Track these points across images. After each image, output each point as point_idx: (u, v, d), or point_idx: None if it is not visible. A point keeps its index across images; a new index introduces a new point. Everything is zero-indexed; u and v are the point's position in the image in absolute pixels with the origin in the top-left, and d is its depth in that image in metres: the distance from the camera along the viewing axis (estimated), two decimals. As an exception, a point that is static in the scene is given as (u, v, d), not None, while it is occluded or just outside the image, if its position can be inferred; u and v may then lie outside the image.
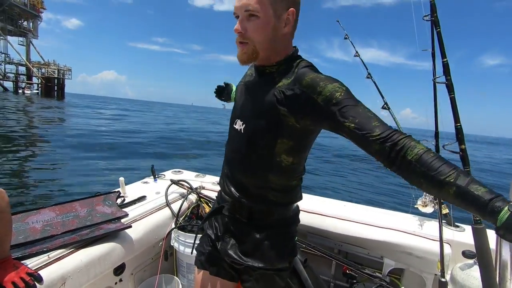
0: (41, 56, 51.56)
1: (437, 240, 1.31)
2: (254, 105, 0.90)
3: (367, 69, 1.71)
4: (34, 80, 51.23)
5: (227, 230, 1.00)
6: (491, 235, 0.96)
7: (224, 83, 1.49)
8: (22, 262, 1.04)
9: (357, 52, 1.81)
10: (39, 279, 1.01)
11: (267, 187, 0.92)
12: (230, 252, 0.96)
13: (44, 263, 1.10)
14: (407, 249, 1.41)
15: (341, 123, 0.73)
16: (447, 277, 1.33)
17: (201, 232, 1.15)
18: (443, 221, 1.54)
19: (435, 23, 0.96)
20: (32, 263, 1.08)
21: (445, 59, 0.93)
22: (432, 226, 1.51)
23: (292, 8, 0.83)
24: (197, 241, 1.15)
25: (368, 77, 1.60)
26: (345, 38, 1.86)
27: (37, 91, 50.94)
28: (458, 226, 1.52)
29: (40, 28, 51.68)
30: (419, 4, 1.01)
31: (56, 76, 50.13)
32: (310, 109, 0.78)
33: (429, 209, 1.52)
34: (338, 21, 1.89)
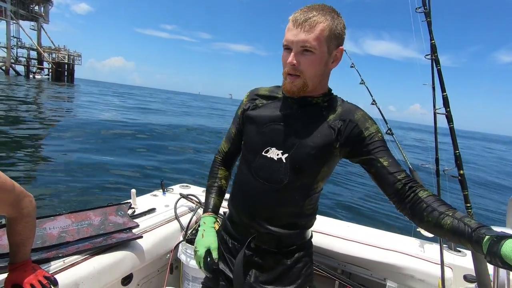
0: (51, 41, 52.33)
1: (438, 264, 1.34)
2: (304, 136, 0.90)
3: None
4: (45, 65, 51.95)
5: (249, 263, 0.98)
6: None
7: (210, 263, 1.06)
8: (40, 265, 1.09)
9: (362, 80, 1.92)
10: (55, 283, 1.05)
11: (300, 213, 0.96)
12: (256, 285, 0.96)
13: (60, 268, 1.14)
14: (410, 272, 1.44)
15: (376, 158, 0.84)
16: (449, 301, 1.35)
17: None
18: (445, 245, 1.58)
19: (436, 61, 1.07)
20: (48, 267, 1.12)
21: (444, 93, 1.03)
22: (433, 250, 1.54)
23: (341, 47, 0.89)
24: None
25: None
26: (351, 67, 1.97)
27: (47, 76, 51.57)
28: (459, 251, 1.55)
29: (51, 13, 52.29)
30: (421, 43, 1.13)
31: (66, 61, 50.91)
32: (356, 140, 0.87)
33: (430, 233, 1.56)
34: (344, 51, 2.01)
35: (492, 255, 0.59)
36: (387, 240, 1.65)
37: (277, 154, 0.91)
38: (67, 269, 1.15)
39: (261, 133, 0.96)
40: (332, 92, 0.97)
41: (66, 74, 51.36)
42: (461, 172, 1.01)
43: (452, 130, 1.02)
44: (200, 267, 1.01)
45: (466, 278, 1.25)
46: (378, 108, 1.84)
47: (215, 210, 1.08)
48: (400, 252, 1.52)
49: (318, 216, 1.95)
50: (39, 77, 49.93)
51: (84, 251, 1.25)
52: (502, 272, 0.93)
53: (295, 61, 0.84)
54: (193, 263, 1.55)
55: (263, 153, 0.94)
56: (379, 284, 1.58)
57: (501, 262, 0.58)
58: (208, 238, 1.01)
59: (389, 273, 1.52)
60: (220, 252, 1.03)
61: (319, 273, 1.58)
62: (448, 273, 1.39)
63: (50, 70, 51.32)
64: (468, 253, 1.55)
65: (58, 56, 50.88)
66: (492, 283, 0.98)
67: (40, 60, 52.55)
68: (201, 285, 1.12)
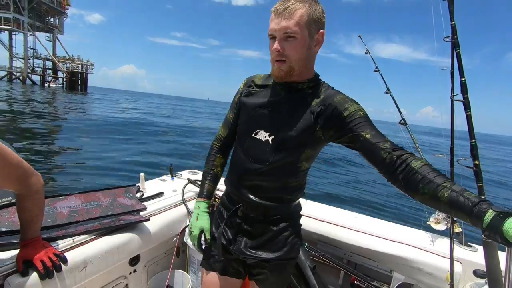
0: (66, 51, 54.05)
1: (447, 258, 1.31)
2: (288, 120, 0.97)
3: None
4: (60, 74, 53.79)
5: (239, 231, 1.08)
6: (501, 255, 0.98)
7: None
8: (49, 243, 1.11)
9: (377, 67, 1.86)
10: (64, 260, 1.08)
11: (284, 189, 1.03)
12: (245, 250, 1.06)
13: (69, 246, 1.16)
14: (417, 265, 1.42)
15: (358, 133, 0.87)
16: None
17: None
18: (455, 239, 1.54)
19: (455, 45, 1.02)
20: (58, 245, 1.15)
21: (463, 79, 0.98)
22: (443, 244, 1.51)
23: (322, 30, 0.94)
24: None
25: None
26: (366, 53, 1.92)
27: (62, 85, 53.35)
28: (470, 246, 1.52)
29: (65, 24, 54.00)
30: (441, 25, 1.08)
31: (80, 70, 52.45)
32: (337, 121, 0.91)
33: (441, 227, 1.52)
34: (360, 37, 1.95)
35: (492, 229, 0.59)
36: (395, 232, 1.62)
37: (265, 136, 1.00)
38: (76, 247, 1.17)
39: (251, 117, 1.05)
40: (319, 77, 1.02)
41: (79, 82, 52.83)
42: (477, 162, 0.96)
43: (469, 117, 0.98)
44: (194, 245, 1.14)
45: (476, 273, 1.22)
46: (392, 97, 1.79)
47: (209, 196, 1.17)
48: (408, 245, 1.49)
49: (324, 206, 1.92)
50: (54, 86, 51.46)
51: (93, 231, 1.27)
52: None
53: (279, 48, 0.91)
54: (199, 247, 1.57)
55: (253, 135, 1.03)
56: (386, 275, 1.56)
57: (500, 237, 0.58)
58: (201, 221, 1.12)
59: (396, 265, 1.50)
60: (218, 224, 1.14)
61: (325, 262, 1.57)
62: (457, 267, 1.37)
63: (64, 79, 52.83)
64: (479, 248, 1.51)
65: (72, 65, 52.31)
66: (503, 278, 0.95)
67: (55, 70, 54.32)
68: (204, 255, 1.18)
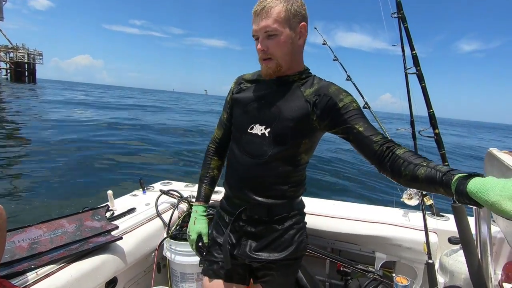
0: (8, 39, 49.17)
1: (423, 230, 1.36)
2: (283, 110, 0.97)
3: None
4: (2, 65, 49.29)
5: (243, 234, 1.05)
6: (471, 220, 1.02)
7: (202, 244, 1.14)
8: (9, 281, 1.01)
9: (335, 56, 1.90)
10: None
11: (286, 184, 1.01)
12: (250, 253, 1.03)
13: (33, 280, 1.07)
14: (397, 241, 1.46)
15: (352, 125, 0.88)
16: (436, 265, 1.38)
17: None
18: (428, 212, 1.61)
19: (402, 20, 1.06)
20: (20, 281, 1.04)
21: (413, 51, 1.02)
22: (417, 217, 1.56)
23: (303, 23, 0.95)
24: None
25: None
26: (323, 44, 1.96)
27: (6, 76, 49.10)
28: (442, 216, 1.58)
29: (5, 9, 48.84)
30: (387, 2, 1.12)
31: (26, 60, 48.50)
32: (332, 111, 0.92)
33: (414, 202, 1.58)
34: (316, 28, 1.98)
35: (459, 193, 0.61)
36: (372, 213, 1.66)
37: (261, 130, 0.99)
38: (41, 280, 1.08)
39: (245, 112, 1.04)
40: (309, 71, 1.03)
41: (27, 74, 48.85)
42: (436, 131, 1.00)
43: (424, 88, 1.01)
44: (193, 249, 1.14)
45: (451, 241, 1.27)
46: (354, 84, 1.84)
47: (206, 200, 1.17)
48: (386, 223, 1.53)
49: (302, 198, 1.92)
50: None
51: (60, 259, 1.17)
52: (484, 228, 0.93)
53: (263, 47, 0.93)
54: (179, 258, 1.51)
55: (248, 130, 1.01)
56: (369, 257, 1.59)
57: (467, 199, 0.59)
58: (199, 225, 1.12)
59: (377, 245, 1.53)
60: (219, 228, 1.12)
61: (310, 254, 1.57)
62: (433, 237, 1.42)
63: (9, 70, 48.72)
64: (451, 217, 1.58)
65: (16, 55, 48.06)
66: (475, 241, 0.99)
67: (-5, 60, 49.54)
68: (200, 265, 1.17)
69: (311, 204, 1.79)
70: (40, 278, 1.08)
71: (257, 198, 1.00)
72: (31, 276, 1.07)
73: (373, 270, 1.50)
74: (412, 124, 1.11)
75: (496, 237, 1.28)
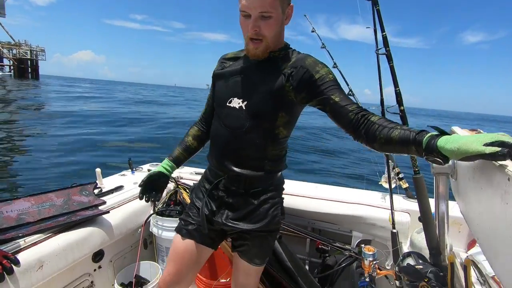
0: (10, 36, 48.36)
1: (396, 210, 1.44)
2: (259, 84, 0.99)
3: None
4: (5, 61, 48.81)
5: (222, 203, 1.09)
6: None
7: (152, 174, 1.19)
8: (-2, 247, 1.05)
9: (323, 43, 1.94)
10: (16, 262, 1.03)
11: (265, 157, 1.04)
12: (226, 221, 1.07)
13: (21, 247, 1.11)
14: (372, 221, 1.54)
15: (328, 96, 0.91)
16: (407, 242, 1.46)
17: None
18: (403, 194, 1.69)
19: (374, 2, 1.11)
20: (7, 247, 1.09)
21: (384, 33, 1.08)
22: (394, 199, 1.64)
23: (291, 4, 0.98)
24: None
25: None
26: (312, 31, 1.99)
27: (9, 73, 48.62)
28: (416, 198, 1.66)
29: (7, 5, 47.86)
30: None
31: (28, 57, 48.03)
32: (308, 83, 0.94)
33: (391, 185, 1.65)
34: (305, 15, 2.01)
35: (429, 148, 0.66)
36: (352, 195, 1.73)
37: (238, 103, 1.02)
38: (29, 247, 1.12)
39: (225, 87, 1.07)
40: (289, 46, 1.05)
41: (30, 70, 48.49)
42: (402, 108, 1.08)
43: (392, 68, 1.08)
44: (140, 185, 1.17)
45: (420, 219, 1.35)
46: (340, 71, 1.89)
47: (175, 161, 1.21)
48: (362, 204, 1.61)
49: (287, 181, 2.00)
50: (0, 73, 46.86)
51: (47, 229, 1.22)
52: (442, 206, 1.01)
53: (257, 28, 0.92)
54: (165, 234, 1.57)
55: (227, 104, 1.04)
56: (347, 236, 1.67)
57: (436, 152, 0.64)
58: (154, 169, 1.20)
59: (354, 225, 1.61)
60: (200, 193, 1.16)
61: (291, 233, 1.64)
62: (405, 217, 1.50)
63: (12, 67, 48.17)
64: None
65: (19, 52, 47.60)
66: (434, 208, 1.08)
67: (-1, 57, 49.05)
68: (181, 222, 1.18)
69: (294, 186, 1.86)
70: (28, 245, 1.13)
71: (235, 169, 1.03)
72: (19, 243, 1.12)
73: (349, 248, 1.58)
74: (381, 102, 1.18)
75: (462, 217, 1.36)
